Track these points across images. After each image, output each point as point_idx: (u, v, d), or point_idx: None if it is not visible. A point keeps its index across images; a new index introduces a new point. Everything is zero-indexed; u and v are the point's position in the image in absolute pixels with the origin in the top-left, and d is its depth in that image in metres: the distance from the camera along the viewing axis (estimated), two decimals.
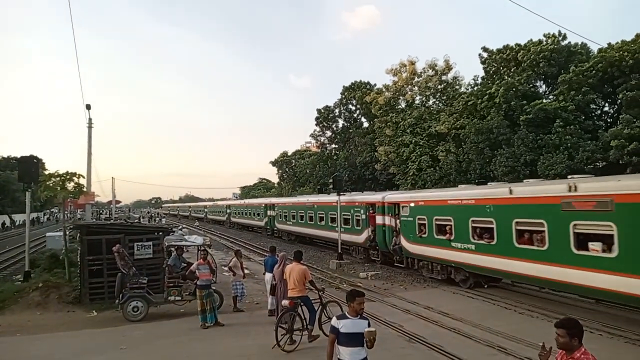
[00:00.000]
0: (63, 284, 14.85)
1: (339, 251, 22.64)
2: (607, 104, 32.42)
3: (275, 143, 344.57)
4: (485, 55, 38.47)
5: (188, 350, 9.64)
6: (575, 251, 10.80)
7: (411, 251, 17.81)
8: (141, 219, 57.46)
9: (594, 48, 32.30)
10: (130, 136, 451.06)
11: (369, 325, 5.23)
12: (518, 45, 35.69)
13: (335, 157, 58.84)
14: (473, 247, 14.22)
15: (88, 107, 23.23)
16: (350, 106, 58.29)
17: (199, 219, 74.35)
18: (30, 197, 16.96)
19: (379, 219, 20.43)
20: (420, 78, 42.73)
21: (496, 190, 13.89)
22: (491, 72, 38.23)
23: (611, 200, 10.02)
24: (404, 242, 18.20)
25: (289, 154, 78.68)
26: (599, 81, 28.85)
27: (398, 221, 18.84)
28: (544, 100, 31.67)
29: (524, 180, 15.21)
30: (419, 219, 17.14)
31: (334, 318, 5.41)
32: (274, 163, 79.12)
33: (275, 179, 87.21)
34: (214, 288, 12.10)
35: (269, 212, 38.42)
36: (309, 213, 29.06)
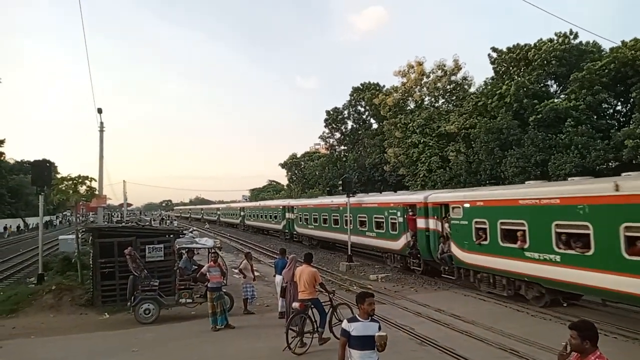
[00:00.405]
0: (76, 286, 15.00)
1: (349, 253, 22.55)
2: (619, 103, 32.01)
3: (284, 145, 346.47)
4: (494, 55, 38.21)
5: (199, 352, 9.67)
6: None
7: (465, 261, 15.03)
8: (152, 222, 57.95)
9: (606, 46, 31.96)
10: (141, 139, 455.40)
11: (379, 328, 5.20)
12: (528, 44, 35.39)
13: (344, 159, 58.80)
14: (557, 258, 11.51)
15: (99, 110, 23.57)
16: (359, 107, 58.27)
17: (211, 222, 73.83)
18: (43, 200, 17.16)
19: (420, 223, 17.80)
20: (429, 79, 42.58)
21: (593, 187, 11.15)
22: (501, 72, 37.96)
23: None
24: (455, 250, 15.45)
25: (298, 155, 78.79)
26: (612, 80, 28.49)
27: (447, 225, 16.29)
28: (555, 100, 31.36)
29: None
30: (476, 222, 14.43)
31: (345, 321, 5.39)
32: (283, 165, 79.27)
33: (284, 181, 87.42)
34: (224, 290, 12.13)
35: (287, 215, 36.23)
36: (333, 216, 26.62)
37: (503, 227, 13.41)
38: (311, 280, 9.51)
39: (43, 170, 16.45)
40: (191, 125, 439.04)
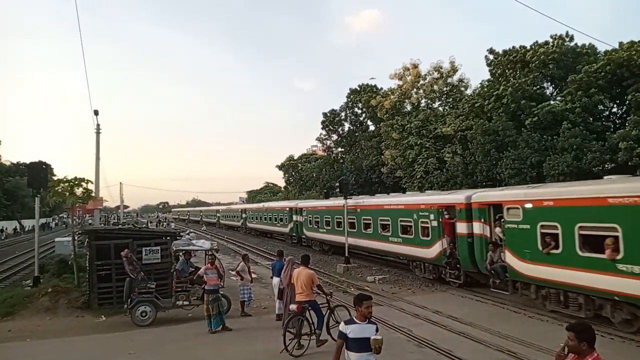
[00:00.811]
0: (72, 289, 14.95)
1: (346, 255, 22.53)
2: (615, 106, 32.18)
3: (281, 147, 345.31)
4: (491, 57, 38.36)
5: (196, 354, 9.65)
6: None
7: (525, 273, 12.45)
8: (149, 224, 57.80)
9: (602, 49, 32.11)
10: (137, 141, 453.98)
11: (377, 330, 5.20)
12: (523, 47, 35.55)
13: (341, 161, 58.86)
14: None
15: (96, 112, 23.50)
16: (356, 109, 58.37)
17: (210, 224, 72.61)
18: (39, 202, 17.09)
19: (461, 227, 15.31)
20: (425, 81, 42.71)
21: None
22: (497, 74, 38.11)
23: None
24: (511, 260, 12.88)
25: (295, 157, 78.83)
26: (608, 82, 28.64)
27: (497, 229, 14.07)
28: (552, 102, 31.50)
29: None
30: (543, 227, 11.95)
31: (342, 323, 5.39)
32: (280, 167, 79.31)
33: (281, 182, 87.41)
34: (221, 293, 12.11)
35: (294, 217, 33.79)
36: (350, 219, 24.10)
37: (583, 232, 10.88)
38: (308, 282, 9.51)
39: (39, 172, 16.41)
40: (187, 127, 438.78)
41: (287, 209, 35.85)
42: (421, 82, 42.94)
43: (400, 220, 19.09)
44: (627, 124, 26.79)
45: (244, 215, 52.87)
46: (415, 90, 43.39)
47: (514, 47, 36.27)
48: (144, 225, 45.83)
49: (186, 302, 12.57)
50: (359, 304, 5.32)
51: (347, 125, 59.91)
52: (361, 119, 58.44)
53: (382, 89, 53.36)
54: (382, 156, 45.18)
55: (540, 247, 11.95)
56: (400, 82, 43.91)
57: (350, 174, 50.54)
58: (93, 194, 19.69)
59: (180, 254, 14.11)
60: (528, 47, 35.05)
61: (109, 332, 11.75)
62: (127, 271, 12.29)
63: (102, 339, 11.13)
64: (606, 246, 10.13)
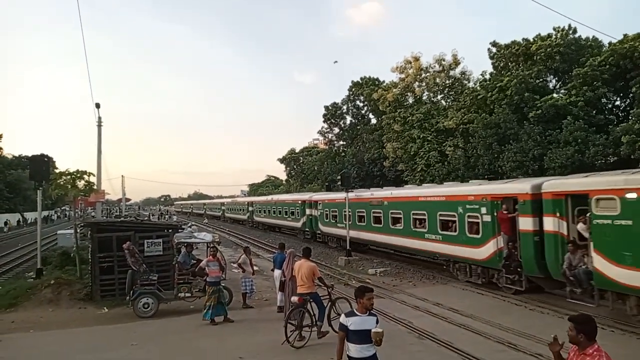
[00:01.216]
0: (74, 281, 15.03)
1: (348, 247, 22.56)
2: (618, 99, 32.05)
3: (282, 140, 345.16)
4: (494, 50, 38.17)
5: (198, 346, 9.71)
6: None
7: (625, 282, 9.97)
8: (151, 217, 57.96)
9: (606, 42, 31.90)
10: (139, 134, 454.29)
11: (377, 322, 5.22)
12: (526, 39, 35.34)
13: (343, 154, 58.80)
14: None
15: (97, 105, 23.41)
16: (358, 102, 58.20)
17: (214, 218, 71.78)
18: (42, 195, 17.12)
19: (524, 223, 12.77)
20: (428, 74, 42.53)
21: None
22: (499, 67, 37.95)
23: None
24: (602, 265, 10.36)
25: (297, 151, 78.81)
26: (612, 75, 28.50)
27: (581, 226, 11.32)
28: (555, 95, 31.37)
29: None
30: None
31: (343, 315, 5.41)
32: (281, 160, 79.36)
33: (283, 176, 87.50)
34: (223, 285, 12.17)
35: (308, 211, 31.63)
36: (374, 213, 21.76)
37: None
38: (310, 274, 9.54)
39: (41, 165, 16.41)
40: (189, 120, 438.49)
41: (300, 202, 33.54)
42: (423, 75, 42.77)
43: (440, 215, 16.53)
44: (630, 118, 26.68)
45: (250, 209, 50.67)
46: (417, 83, 43.24)
47: (515, 40, 36.10)
48: (146, 218, 46.01)
49: (188, 294, 12.63)
50: (360, 296, 5.34)
51: (348, 119, 59.82)
52: (363, 112, 58.29)
53: (384, 81, 53.23)
54: (384, 149, 45.11)
55: None
56: (402, 76, 43.75)
57: (352, 167, 50.52)
58: (95, 187, 19.72)
59: (182, 246, 14.17)
60: (531, 40, 34.86)
61: (112, 323, 11.82)
62: (129, 263, 12.33)
63: (104, 331, 11.20)
64: None
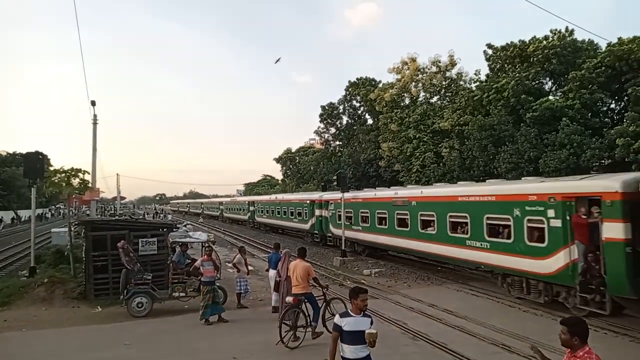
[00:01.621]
0: (68, 279, 14.97)
1: (343, 248, 22.56)
2: (613, 102, 32.21)
3: (278, 140, 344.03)
4: (490, 52, 38.28)
5: (192, 346, 9.68)
6: None
7: None
8: (145, 216, 57.78)
9: (602, 45, 32.03)
10: (135, 133, 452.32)
11: (371, 323, 5.23)
12: (522, 41, 35.45)
13: (339, 154, 58.80)
14: None
15: (93, 103, 23.42)
16: (354, 103, 58.23)
17: (212, 218, 70.72)
18: (36, 193, 17.04)
19: (611, 229, 10.20)
20: (424, 75, 42.63)
21: None
22: (495, 69, 38.07)
23: None
24: None
25: (293, 150, 78.76)
26: (608, 78, 28.66)
27: None
28: (551, 98, 31.48)
29: None
30: None
31: (337, 316, 5.42)
32: (277, 160, 79.28)
33: (279, 175, 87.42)
34: (218, 284, 12.15)
35: (317, 212, 29.32)
36: (399, 214, 19.31)
37: None
38: (305, 274, 9.55)
39: (35, 162, 16.33)
40: (185, 119, 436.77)
41: (308, 201, 31.00)
42: (420, 75, 42.87)
43: (488, 218, 14.01)
44: (624, 120, 26.82)
45: (251, 208, 48.09)
46: (414, 84, 43.33)
47: (512, 42, 36.20)
48: (141, 217, 45.86)
49: (182, 294, 12.61)
50: (355, 296, 5.35)
51: (345, 119, 59.79)
52: (359, 112, 58.30)
53: (380, 81, 53.30)
54: (380, 150, 45.16)
55: None
56: (399, 77, 43.85)
57: (347, 167, 50.53)
58: (90, 185, 19.65)
59: (177, 245, 14.13)
60: (527, 42, 34.97)
61: (105, 322, 11.76)
62: (124, 262, 12.28)
63: (98, 330, 11.14)
64: None
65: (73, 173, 17.03)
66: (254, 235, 38.99)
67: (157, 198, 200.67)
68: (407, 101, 44.47)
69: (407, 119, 40.95)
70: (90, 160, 23.22)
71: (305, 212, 31.40)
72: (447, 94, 42.69)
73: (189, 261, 13.82)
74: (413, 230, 18.09)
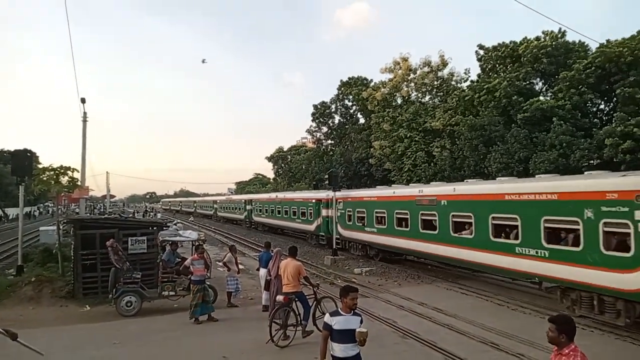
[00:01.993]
0: (56, 278, 14.80)
1: (334, 247, 22.56)
2: (602, 102, 32.57)
3: (270, 138, 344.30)
4: (481, 52, 38.52)
5: (182, 345, 9.63)
6: None
7: None
8: (135, 214, 57.35)
9: (593, 46, 32.34)
10: (125, 131, 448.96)
11: (361, 322, 5.24)
12: (514, 42, 35.71)
13: (331, 153, 58.83)
14: None
15: (83, 100, 23.16)
16: (346, 102, 58.28)
17: (206, 217, 69.50)
18: (24, 191, 16.85)
19: None
20: (416, 75, 42.80)
21: None
22: (487, 69, 38.31)
23: None
24: None
25: (285, 149, 78.66)
26: (597, 78, 28.97)
27: None
28: (541, 98, 31.75)
29: None
30: None
31: (327, 315, 5.42)
32: (269, 158, 79.16)
33: (270, 174, 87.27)
34: (208, 283, 12.10)
35: (324, 212, 27.12)
36: (423, 215, 17.04)
37: None
38: (295, 273, 9.54)
39: (24, 160, 16.17)
40: (176, 117, 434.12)
41: (314, 200, 28.62)
42: (412, 75, 43.04)
43: (546, 221, 11.71)
44: (613, 120, 27.13)
45: (248, 208, 45.55)
46: (405, 83, 43.49)
47: (503, 42, 36.45)
48: (131, 216, 45.50)
49: (172, 293, 12.53)
50: (345, 295, 5.35)
51: (337, 118, 59.82)
52: (351, 111, 58.37)
53: (372, 80, 53.38)
54: (372, 149, 45.24)
55: None
56: (391, 76, 43.99)
57: (339, 166, 50.57)
58: (79, 183, 19.47)
59: (167, 244, 14.05)
60: (518, 42, 35.22)
61: (94, 322, 11.66)
62: (113, 261, 12.18)
63: (86, 329, 11.04)
64: None
65: (62, 171, 16.86)
66: (245, 234, 38.88)
67: (148, 196, 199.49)
68: (399, 101, 44.62)
69: (399, 118, 41.09)
70: (80, 158, 22.95)
71: (311, 212, 29.01)
72: (438, 94, 42.91)
73: (179, 260, 13.76)
74: (443, 234, 15.77)
